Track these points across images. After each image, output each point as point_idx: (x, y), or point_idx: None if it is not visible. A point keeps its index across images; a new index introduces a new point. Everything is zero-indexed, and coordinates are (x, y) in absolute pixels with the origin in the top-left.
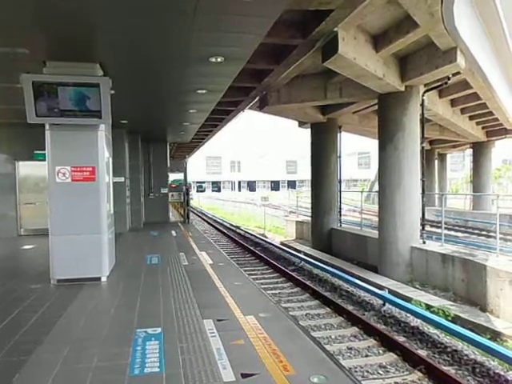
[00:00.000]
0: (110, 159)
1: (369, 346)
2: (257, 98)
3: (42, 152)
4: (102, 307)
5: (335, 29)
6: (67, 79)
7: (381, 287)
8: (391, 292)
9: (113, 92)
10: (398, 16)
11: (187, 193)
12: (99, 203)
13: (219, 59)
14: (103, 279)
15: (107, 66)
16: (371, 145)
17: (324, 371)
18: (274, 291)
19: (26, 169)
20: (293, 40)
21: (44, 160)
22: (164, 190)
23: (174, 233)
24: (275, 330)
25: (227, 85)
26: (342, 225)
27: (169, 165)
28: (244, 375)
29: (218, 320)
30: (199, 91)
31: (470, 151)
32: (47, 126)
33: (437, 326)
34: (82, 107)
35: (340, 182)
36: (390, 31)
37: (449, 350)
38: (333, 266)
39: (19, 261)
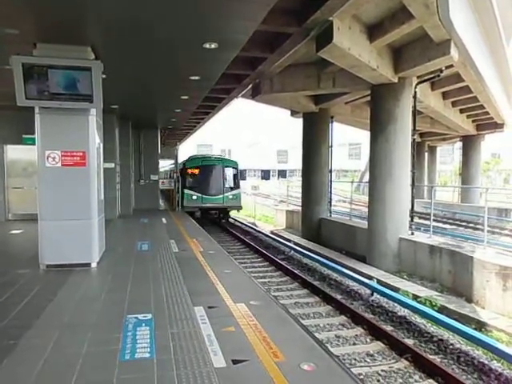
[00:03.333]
0: (101, 144)
1: (357, 335)
2: (249, 86)
3: (31, 136)
4: (92, 293)
5: (330, 18)
6: (58, 62)
7: (369, 277)
8: (379, 282)
9: (104, 76)
10: (394, 6)
11: (178, 180)
12: (89, 189)
13: (213, 45)
14: (93, 265)
15: (99, 50)
16: (362, 136)
17: (314, 358)
18: (263, 280)
19: (15, 153)
20: (288, 28)
21: (33, 144)
22: (154, 177)
23: (164, 220)
24: (266, 318)
25: (220, 72)
26: (332, 215)
27: (159, 151)
28: (235, 361)
29: (209, 307)
30: (192, 77)
31: (459, 144)
32: (37, 110)
33: (423, 315)
34: (72, 91)
35: (331, 172)
36: (385, 22)
37: (435, 339)
38: (322, 255)
39: (7, 245)
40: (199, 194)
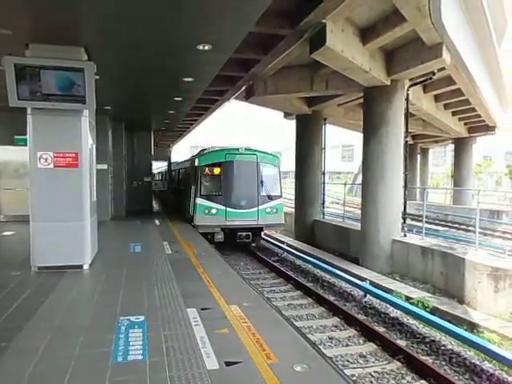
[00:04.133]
0: (94, 146)
1: (349, 336)
2: (243, 88)
3: (24, 137)
4: (85, 295)
5: (323, 20)
6: (50, 63)
7: (362, 279)
8: (372, 283)
9: (97, 77)
10: (387, 9)
11: (171, 180)
12: (82, 190)
13: (207, 47)
14: (85, 267)
15: (92, 51)
16: (355, 138)
17: (307, 360)
18: (257, 281)
19: (6, 154)
20: (281, 30)
21: (25, 145)
22: (147, 179)
23: (157, 222)
24: (259, 320)
25: (214, 73)
26: (325, 216)
27: (153, 153)
28: (228, 363)
29: (202, 309)
30: (185, 79)
31: (451, 147)
32: (29, 110)
33: (416, 317)
34: (65, 92)
35: (324, 174)
36: (378, 24)
37: (427, 340)
38: (315, 257)
39: None
40: (222, 207)
